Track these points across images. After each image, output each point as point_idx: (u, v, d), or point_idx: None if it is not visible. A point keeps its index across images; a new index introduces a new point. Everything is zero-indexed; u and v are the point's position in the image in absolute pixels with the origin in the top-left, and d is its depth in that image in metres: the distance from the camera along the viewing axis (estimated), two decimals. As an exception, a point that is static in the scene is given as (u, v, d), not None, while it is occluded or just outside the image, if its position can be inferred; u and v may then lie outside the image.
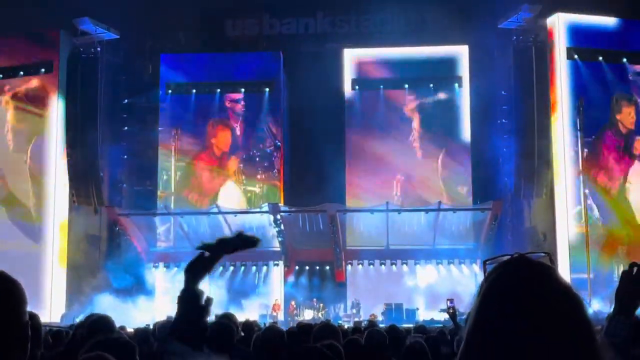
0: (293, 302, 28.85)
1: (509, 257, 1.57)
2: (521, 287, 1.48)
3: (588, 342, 1.45)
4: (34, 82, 30.83)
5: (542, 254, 1.63)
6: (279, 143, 32.15)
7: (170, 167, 32.37)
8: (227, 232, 30.25)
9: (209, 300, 2.25)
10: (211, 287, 28.62)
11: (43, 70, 30.65)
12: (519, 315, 1.44)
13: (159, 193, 32.18)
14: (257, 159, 32.34)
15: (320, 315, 27.41)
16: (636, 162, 29.21)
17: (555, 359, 1.41)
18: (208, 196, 32.09)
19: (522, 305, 1.45)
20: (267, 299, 29.67)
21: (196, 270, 2.34)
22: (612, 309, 2.66)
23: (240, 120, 32.58)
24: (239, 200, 32.04)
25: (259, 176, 32.28)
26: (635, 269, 2.61)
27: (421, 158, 31.65)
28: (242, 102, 32.54)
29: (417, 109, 31.74)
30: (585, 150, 28.21)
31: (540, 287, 1.48)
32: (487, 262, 1.66)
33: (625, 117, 29.42)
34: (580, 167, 28.07)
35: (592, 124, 28.44)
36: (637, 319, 2.65)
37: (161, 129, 32.50)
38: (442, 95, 31.79)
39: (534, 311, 1.44)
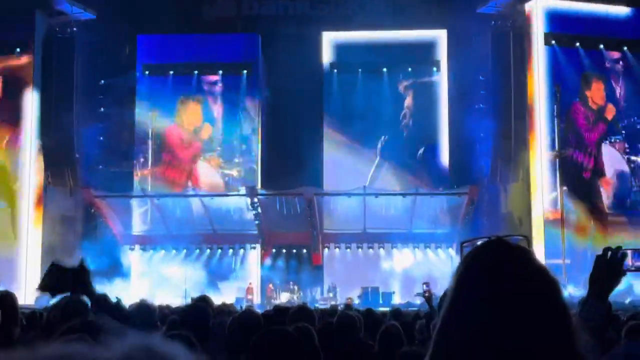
0: (271, 285, 28.88)
1: (486, 239, 1.56)
2: (498, 268, 1.48)
3: (564, 324, 1.45)
4: (11, 62, 30.47)
5: (520, 237, 1.62)
6: (256, 126, 32.09)
7: (148, 149, 32.22)
8: (203, 214, 30.32)
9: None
10: (187, 270, 28.64)
11: (18, 50, 30.27)
12: (495, 296, 1.44)
13: (136, 173, 32.01)
14: (235, 142, 32.26)
15: (296, 298, 27.46)
16: (607, 144, 29.44)
17: (532, 340, 1.41)
18: (184, 170, 32.02)
19: (498, 287, 1.45)
20: (244, 282, 29.65)
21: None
22: (586, 293, 2.67)
23: (218, 103, 32.46)
24: (216, 182, 31.97)
25: (236, 159, 32.21)
26: (609, 254, 2.63)
27: (405, 139, 31.71)
28: (220, 84, 32.40)
29: (409, 88, 31.79)
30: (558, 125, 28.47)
31: (517, 269, 1.47)
32: (464, 244, 1.65)
33: (595, 92, 29.62)
34: (557, 151, 28.26)
35: (564, 103, 28.72)
36: (609, 304, 2.67)
37: (138, 110, 32.31)
38: (425, 79, 31.91)
39: (510, 292, 1.44)
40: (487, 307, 1.43)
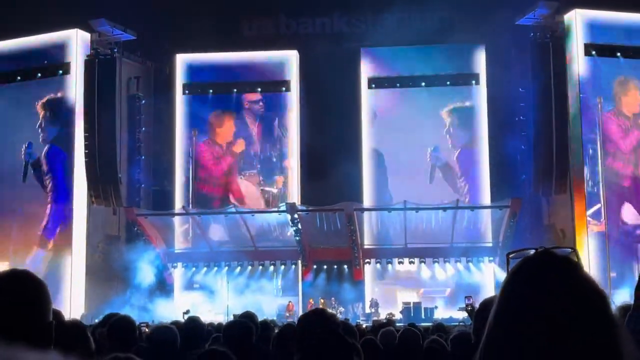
0: (311, 300, 28.90)
1: (533, 250, 1.54)
2: (545, 280, 1.46)
3: (613, 338, 1.43)
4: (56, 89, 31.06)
5: (569, 250, 1.60)
6: (295, 143, 32.21)
7: (189, 167, 32.52)
8: (244, 231, 30.45)
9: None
10: (229, 287, 28.76)
11: (60, 72, 30.81)
12: (542, 309, 1.42)
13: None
14: (275, 159, 32.43)
15: (338, 314, 27.40)
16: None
17: (577, 353, 1.39)
18: (220, 186, 32.28)
19: (546, 299, 1.43)
20: (286, 298, 29.73)
21: None
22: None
23: (257, 121, 32.67)
24: (256, 200, 32.13)
25: (276, 176, 32.36)
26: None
27: (445, 152, 31.51)
28: (259, 102, 32.62)
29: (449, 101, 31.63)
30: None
31: (565, 281, 1.46)
32: (510, 256, 1.63)
33: (631, 99, 29.19)
34: (600, 166, 28.01)
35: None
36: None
37: (178, 129, 32.64)
38: (461, 94, 31.76)
39: (558, 305, 1.42)
40: (533, 320, 1.42)
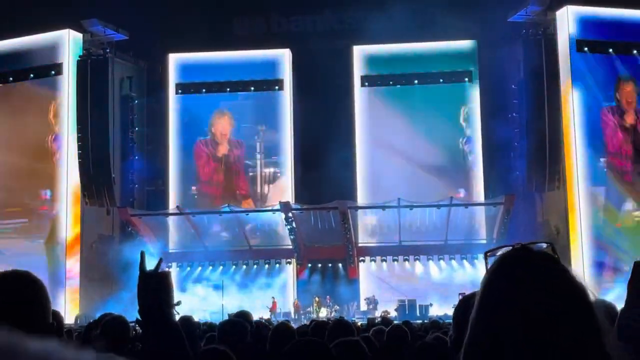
0: (296, 301, 28.98)
1: (510, 247, 1.56)
2: (520, 274, 1.47)
3: (591, 330, 1.44)
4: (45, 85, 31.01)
5: (545, 245, 1.62)
6: (288, 141, 32.20)
7: (183, 167, 32.53)
8: (239, 231, 30.42)
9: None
10: (224, 285, 28.71)
11: (53, 72, 30.75)
12: (516, 301, 1.44)
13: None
14: (268, 158, 32.43)
15: (333, 312, 27.38)
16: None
17: (557, 347, 1.40)
18: (219, 186, 32.33)
19: (520, 292, 1.44)
20: (281, 296, 29.69)
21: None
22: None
23: (249, 120, 32.64)
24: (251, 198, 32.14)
25: (270, 175, 32.37)
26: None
27: (439, 150, 31.52)
28: (252, 101, 32.58)
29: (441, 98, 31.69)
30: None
31: (539, 274, 1.47)
32: (488, 254, 1.64)
33: (627, 94, 29.31)
34: (602, 160, 28.17)
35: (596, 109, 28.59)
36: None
37: (171, 128, 32.60)
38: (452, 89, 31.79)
39: (531, 298, 1.43)
40: (509, 313, 1.43)
